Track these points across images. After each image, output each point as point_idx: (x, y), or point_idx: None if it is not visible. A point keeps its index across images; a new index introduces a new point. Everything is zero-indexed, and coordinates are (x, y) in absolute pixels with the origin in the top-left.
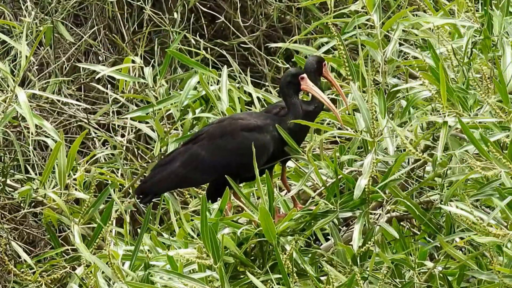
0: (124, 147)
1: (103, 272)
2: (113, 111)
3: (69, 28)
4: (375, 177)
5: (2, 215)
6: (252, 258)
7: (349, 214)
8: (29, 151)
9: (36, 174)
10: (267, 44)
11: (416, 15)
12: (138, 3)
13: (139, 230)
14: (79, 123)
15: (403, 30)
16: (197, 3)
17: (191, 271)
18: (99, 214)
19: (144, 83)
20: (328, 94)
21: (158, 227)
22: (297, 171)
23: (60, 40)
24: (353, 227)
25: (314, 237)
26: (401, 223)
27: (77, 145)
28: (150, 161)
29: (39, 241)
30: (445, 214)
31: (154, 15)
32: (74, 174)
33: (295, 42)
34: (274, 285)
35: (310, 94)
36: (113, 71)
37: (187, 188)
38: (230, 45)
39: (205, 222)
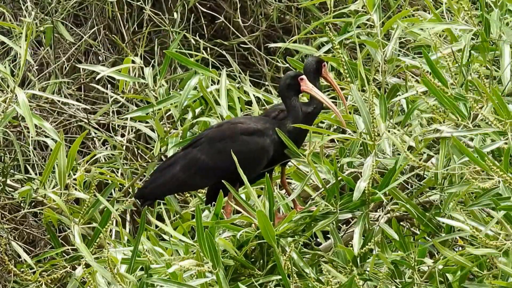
0: (124, 147)
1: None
2: (113, 111)
3: (69, 28)
4: (375, 178)
5: (2, 215)
6: (253, 260)
7: (349, 215)
8: (29, 151)
9: (36, 174)
10: (266, 44)
11: (414, 15)
12: (138, 3)
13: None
14: (79, 123)
15: (402, 30)
16: (197, 3)
17: (192, 276)
18: (99, 214)
19: (144, 83)
20: (327, 95)
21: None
22: (297, 172)
23: (60, 40)
24: (352, 227)
25: (314, 238)
26: (401, 223)
27: (77, 145)
28: (150, 161)
29: (39, 241)
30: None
31: (154, 15)
32: (74, 174)
33: (295, 42)
34: (277, 286)
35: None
36: (113, 72)
37: (187, 191)
38: (230, 45)
39: (200, 229)
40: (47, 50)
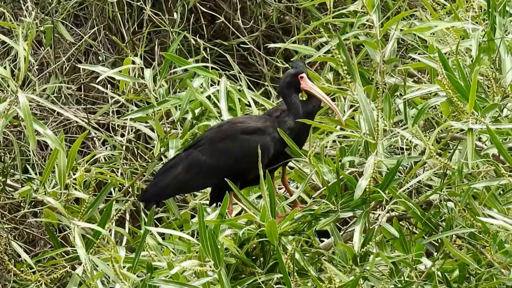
0: (124, 147)
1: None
2: (112, 111)
3: (69, 28)
4: (375, 177)
5: (2, 215)
6: (253, 258)
7: (350, 214)
8: (29, 151)
9: (36, 174)
10: (266, 45)
11: (413, 15)
12: (138, 4)
13: (138, 229)
14: (79, 123)
15: (401, 30)
16: (197, 4)
17: (193, 274)
18: (99, 213)
19: (144, 83)
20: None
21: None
22: (298, 172)
23: (60, 40)
24: (352, 225)
25: (315, 236)
26: (400, 222)
27: (77, 146)
28: (149, 160)
29: (39, 240)
30: (445, 214)
31: (154, 15)
32: (74, 174)
33: (294, 42)
34: (277, 285)
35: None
36: (114, 73)
37: (190, 192)
38: (230, 45)
39: (203, 229)
40: (47, 50)
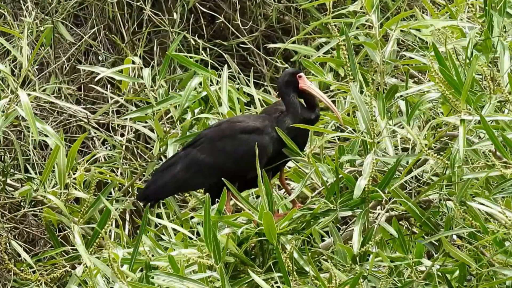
0: (124, 147)
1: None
2: (112, 110)
3: (69, 28)
4: (375, 176)
5: (2, 214)
6: (252, 257)
7: (349, 213)
8: (29, 151)
9: (36, 174)
10: (266, 45)
11: (413, 16)
12: (138, 4)
13: (138, 229)
14: (79, 122)
15: (401, 31)
16: (196, 4)
17: (192, 272)
18: (99, 213)
19: (144, 83)
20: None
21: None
22: (297, 171)
23: (60, 40)
24: (352, 225)
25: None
26: (400, 222)
27: (77, 146)
28: (149, 160)
29: (39, 240)
30: (445, 213)
31: (153, 15)
32: (74, 174)
33: (294, 42)
34: (276, 284)
35: (309, 101)
36: (113, 72)
37: (188, 191)
38: (229, 45)
39: (208, 222)
40: (47, 50)
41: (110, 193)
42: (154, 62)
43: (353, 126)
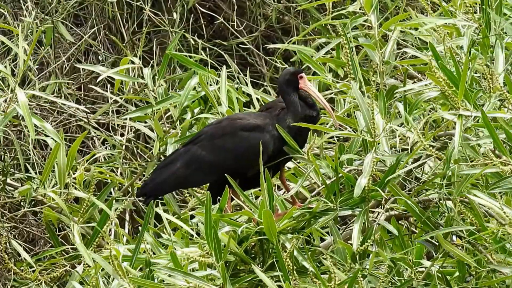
0: (124, 146)
1: (103, 269)
2: (112, 110)
3: (69, 28)
4: (374, 175)
5: (2, 214)
6: (252, 256)
7: (349, 212)
8: (29, 150)
9: (36, 173)
10: (265, 46)
11: (411, 16)
12: (138, 4)
13: (137, 229)
14: (79, 122)
15: (400, 31)
16: (196, 4)
17: (192, 270)
18: (99, 213)
19: (143, 83)
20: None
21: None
22: (297, 171)
23: (60, 40)
24: (351, 226)
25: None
26: (399, 222)
27: (77, 145)
28: (149, 160)
29: (39, 239)
30: (444, 213)
31: (153, 15)
32: (74, 173)
33: (293, 43)
34: (278, 282)
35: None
36: (113, 73)
37: (188, 188)
38: (229, 45)
39: (209, 220)
40: (47, 49)
41: (110, 193)
42: (154, 62)
43: (353, 125)
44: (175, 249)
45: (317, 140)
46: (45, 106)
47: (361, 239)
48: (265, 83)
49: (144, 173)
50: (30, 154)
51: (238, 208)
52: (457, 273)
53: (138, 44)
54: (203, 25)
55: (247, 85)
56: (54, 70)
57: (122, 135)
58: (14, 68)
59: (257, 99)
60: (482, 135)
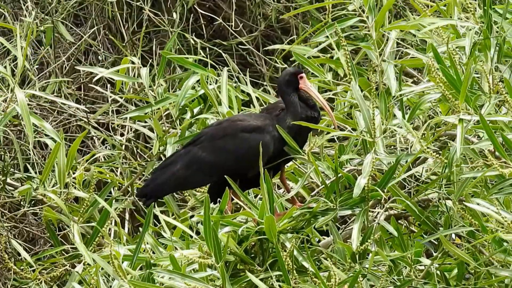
0: (123, 146)
1: (102, 269)
2: (112, 110)
3: (69, 28)
4: (374, 175)
5: (2, 213)
6: (252, 256)
7: (349, 212)
8: (29, 150)
9: (36, 173)
10: (266, 48)
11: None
12: (138, 4)
13: (137, 229)
14: (79, 122)
15: (400, 30)
16: (196, 4)
17: (193, 271)
18: (98, 212)
19: (143, 83)
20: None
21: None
22: (296, 171)
23: (60, 40)
24: (350, 225)
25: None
26: (399, 221)
27: (77, 145)
28: (149, 160)
29: (39, 239)
30: (444, 212)
31: (153, 15)
32: (74, 173)
33: (293, 42)
34: (275, 282)
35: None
36: (112, 73)
37: (188, 189)
38: (229, 45)
39: (208, 222)
40: (47, 49)
41: (110, 193)
42: (154, 62)
43: (353, 125)
44: (175, 248)
45: (317, 141)
46: (45, 106)
47: (361, 239)
48: (264, 83)
49: (144, 173)
50: (30, 154)
51: (238, 207)
52: (455, 271)
53: (138, 44)
54: (203, 25)
55: (246, 85)
56: (54, 70)
57: (122, 135)
58: (14, 68)
59: (257, 98)
60: (482, 135)
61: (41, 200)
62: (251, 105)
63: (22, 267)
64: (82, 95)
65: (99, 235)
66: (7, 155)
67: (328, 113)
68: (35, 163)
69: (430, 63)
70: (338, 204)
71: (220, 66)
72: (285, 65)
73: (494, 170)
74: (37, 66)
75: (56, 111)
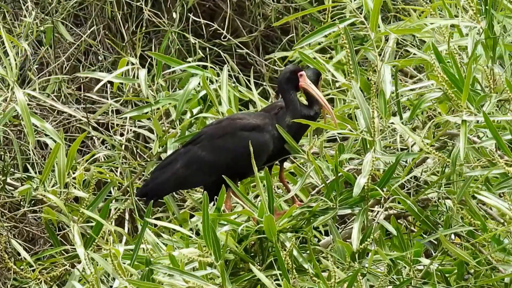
0: (123, 146)
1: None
2: (112, 110)
3: (69, 28)
4: (374, 175)
5: (2, 213)
6: (252, 255)
7: (348, 211)
8: (29, 150)
9: (36, 173)
10: (268, 56)
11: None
12: (138, 4)
13: (137, 229)
14: (79, 122)
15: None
16: (195, 4)
17: (192, 269)
18: (98, 212)
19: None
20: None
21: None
22: (296, 170)
23: (60, 40)
24: (350, 225)
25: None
26: (398, 221)
27: (77, 145)
28: (148, 160)
29: (39, 239)
30: (444, 212)
31: (153, 15)
32: (74, 173)
33: (292, 42)
34: (278, 281)
35: (310, 99)
36: (111, 76)
37: (188, 189)
38: (228, 45)
39: (206, 220)
40: (47, 49)
41: (110, 192)
42: (153, 62)
43: (353, 125)
44: (175, 248)
45: (317, 140)
46: (45, 106)
47: (361, 238)
48: (264, 83)
49: (143, 172)
50: (29, 154)
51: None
52: (455, 270)
53: (138, 44)
54: (203, 25)
55: (246, 85)
56: (54, 70)
57: (121, 135)
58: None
59: (257, 96)
60: (483, 134)
61: (41, 200)
62: (249, 105)
63: (22, 267)
64: (82, 95)
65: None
66: (7, 155)
67: (328, 111)
68: (35, 163)
69: (431, 62)
70: (338, 203)
71: (219, 66)
72: (284, 66)
73: (500, 168)
74: (37, 66)
75: (56, 111)
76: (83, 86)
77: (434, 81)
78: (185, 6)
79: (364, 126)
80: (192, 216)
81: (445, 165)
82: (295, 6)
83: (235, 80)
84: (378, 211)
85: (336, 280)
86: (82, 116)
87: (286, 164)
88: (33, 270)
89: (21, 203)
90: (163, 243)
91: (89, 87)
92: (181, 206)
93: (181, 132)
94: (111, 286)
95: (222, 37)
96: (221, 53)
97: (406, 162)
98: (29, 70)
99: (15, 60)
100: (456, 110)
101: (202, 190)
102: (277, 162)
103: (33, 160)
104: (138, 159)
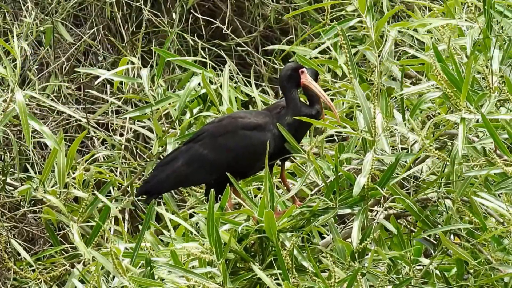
0: (123, 146)
1: (102, 268)
2: (112, 110)
3: (68, 28)
4: (373, 175)
5: (2, 213)
6: (252, 254)
7: (348, 211)
8: (29, 150)
9: (35, 173)
10: (264, 48)
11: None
12: (137, 4)
13: (137, 228)
14: (79, 122)
15: (398, 31)
16: (195, 4)
17: (193, 267)
18: (98, 212)
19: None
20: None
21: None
22: (296, 169)
23: (60, 40)
24: (349, 225)
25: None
26: (398, 220)
27: (77, 145)
28: (148, 160)
29: (39, 239)
30: (443, 212)
31: (152, 15)
32: (73, 173)
33: (292, 42)
34: (277, 280)
35: (310, 98)
36: (112, 74)
37: (189, 187)
38: (228, 45)
39: (212, 219)
40: (47, 50)
41: (110, 192)
42: (153, 62)
43: (353, 125)
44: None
45: (318, 138)
46: (45, 106)
47: (360, 237)
48: (263, 84)
49: (143, 173)
50: (29, 154)
51: (237, 207)
52: (454, 270)
53: (137, 45)
54: (202, 26)
55: (246, 86)
56: (53, 70)
57: (121, 135)
58: (14, 69)
59: (256, 96)
60: (482, 134)
61: (41, 200)
62: (249, 106)
63: (21, 267)
64: (82, 95)
65: (99, 234)
66: (7, 155)
67: (330, 107)
68: (35, 163)
69: (430, 61)
70: (338, 203)
71: (219, 67)
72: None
73: (498, 168)
74: (37, 67)
75: (56, 111)
76: (83, 86)
77: (434, 81)
78: (184, 6)
79: (364, 126)
80: (191, 216)
81: (444, 164)
82: (295, 7)
83: (237, 80)
84: (378, 211)
85: (336, 280)
86: (82, 117)
87: (287, 164)
88: (33, 270)
89: (21, 203)
90: (164, 241)
91: (89, 87)
92: (181, 206)
93: (180, 133)
94: (110, 287)
95: (223, 31)
96: (221, 53)
97: (405, 162)
98: (29, 71)
99: (17, 60)
100: (456, 110)
101: (203, 190)
102: (278, 161)
103: (32, 160)
104: (138, 159)
